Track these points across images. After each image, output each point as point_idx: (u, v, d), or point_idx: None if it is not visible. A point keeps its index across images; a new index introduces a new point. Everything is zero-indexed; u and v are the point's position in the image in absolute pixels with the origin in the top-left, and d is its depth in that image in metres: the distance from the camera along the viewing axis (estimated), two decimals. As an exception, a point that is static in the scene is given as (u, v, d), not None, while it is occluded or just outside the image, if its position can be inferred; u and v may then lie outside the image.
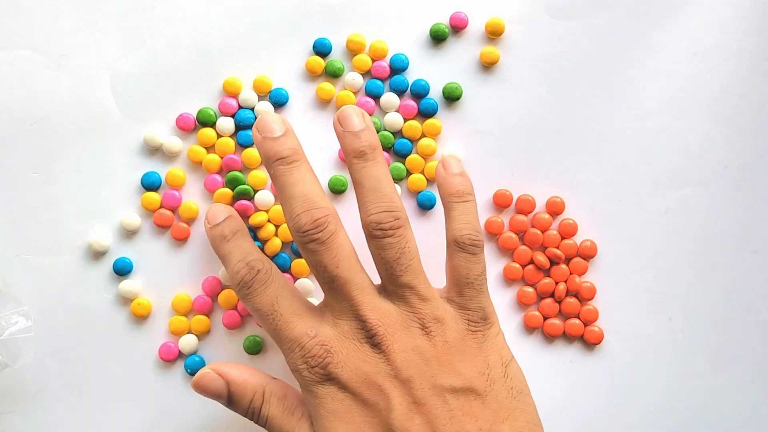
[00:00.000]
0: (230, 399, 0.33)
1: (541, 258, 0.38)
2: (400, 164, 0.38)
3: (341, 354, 0.31)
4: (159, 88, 0.38)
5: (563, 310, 0.38)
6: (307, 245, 0.31)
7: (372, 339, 0.31)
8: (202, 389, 0.33)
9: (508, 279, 0.39)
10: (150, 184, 0.38)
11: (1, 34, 0.38)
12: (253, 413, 0.33)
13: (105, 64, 0.38)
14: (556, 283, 0.38)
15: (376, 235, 0.32)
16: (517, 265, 0.38)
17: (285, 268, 0.38)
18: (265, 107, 0.38)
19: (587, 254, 0.38)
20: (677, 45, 0.38)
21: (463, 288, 0.33)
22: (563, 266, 0.38)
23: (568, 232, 0.38)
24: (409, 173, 0.39)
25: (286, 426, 0.32)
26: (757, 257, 0.39)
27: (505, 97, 0.38)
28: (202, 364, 0.38)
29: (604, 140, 0.38)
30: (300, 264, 0.38)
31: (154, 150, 0.38)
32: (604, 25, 0.38)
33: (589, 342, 0.38)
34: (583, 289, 0.38)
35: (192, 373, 0.38)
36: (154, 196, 0.38)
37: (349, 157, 0.33)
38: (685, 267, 0.39)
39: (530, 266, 0.39)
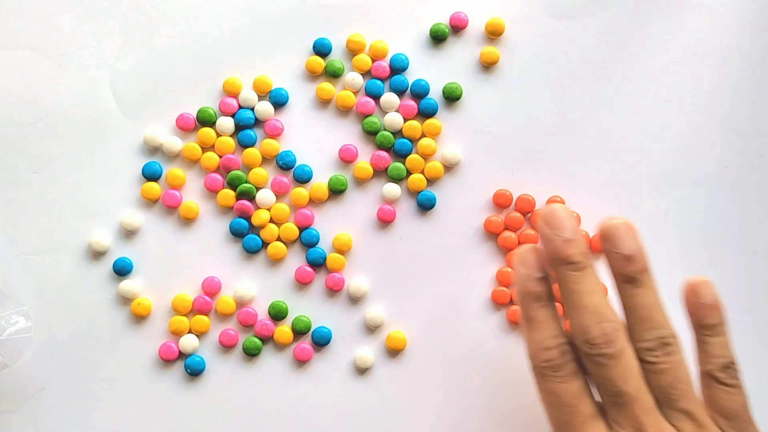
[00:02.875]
0: None
1: None
2: (400, 164, 0.38)
3: None
4: (159, 88, 0.38)
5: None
6: (595, 357, 0.31)
7: None
8: None
9: (509, 279, 0.39)
10: (151, 174, 0.38)
11: (1, 34, 0.38)
12: None
13: (105, 64, 0.38)
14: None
15: (650, 360, 0.31)
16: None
17: (320, 264, 0.38)
18: (265, 107, 0.38)
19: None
20: (677, 45, 0.38)
21: (731, 421, 0.32)
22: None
23: (568, 232, 0.38)
24: (409, 173, 0.39)
25: None
26: (757, 257, 0.39)
27: (505, 97, 0.38)
28: (202, 364, 0.38)
29: (603, 140, 0.38)
30: (335, 258, 0.38)
31: (154, 150, 0.38)
32: (604, 25, 0.38)
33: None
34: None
35: (192, 373, 0.38)
36: (155, 186, 0.38)
37: (618, 280, 0.32)
38: (685, 267, 0.39)
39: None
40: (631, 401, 0.31)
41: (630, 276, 0.31)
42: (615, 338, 0.31)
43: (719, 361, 0.32)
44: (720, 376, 0.32)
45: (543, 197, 0.39)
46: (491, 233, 0.39)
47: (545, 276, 0.32)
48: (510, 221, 0.38)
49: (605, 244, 0.32)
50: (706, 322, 0.32)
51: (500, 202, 0.38)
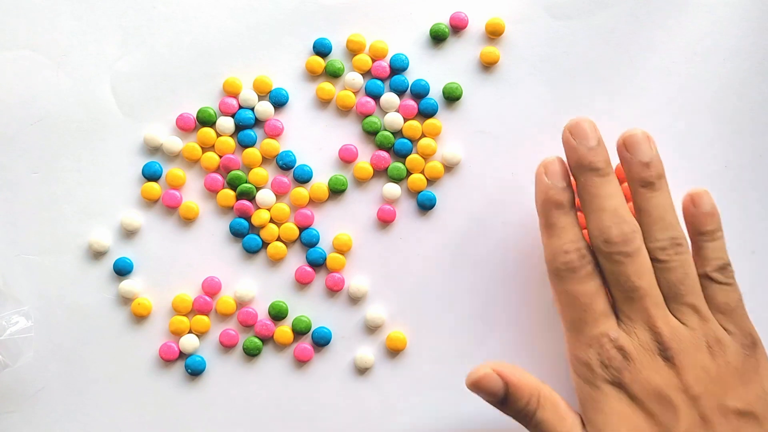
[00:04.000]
0: (505, 399, 0.33)
1: None
2: (400, 164, 0.38)
3: (636, 362, 0.33)
4: (159, 88, 0.38)
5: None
6: (613, 255, 0.33)
7: (665, 352, 0.33)
8: (481, 387, 0.33)
9: (508, 279, 0.39)
10: (151, 174, 0.38)
11: (1, 34, 0.38)
12: (526, 415, 0.33)
13: (105, 64, 0.38)
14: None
15: (661, 258, 0.33)
16: (517, 265, 0.39)
17: (319, 264, 0.38)
18: (265, 107, 0.38)
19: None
20: (677, 45, 0.38)
21: (728, 316, 0.34)
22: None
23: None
24: (409, 173, 0.39)
25: (558, 431, 0.33)
26: (756, 257, 0.39)
27: (505, 97, 0.38)
28: (203, 363, 0.38)
29: (604, 140, 0.38)
30: (335, 258, 0.38)
31: (154, 150, 0.38)
32: (604, 25, 0.38)
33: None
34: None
35: (192, 373, 0.38)
36: (155, 186, 0.38)
37: (636, 185, 0.34)
38: (685, 267, 0.39)
39: (530, 266, 0.39)
40: (643, 296, 0.33)
41: (646, 180, 0.33)
42: (632, 238, 0.33)
43: (716, 263, 0.34)
44: (716, 275, 0.34)
45: (543, 197, 0.39)
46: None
47: (567, 185, 0.34)
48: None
49: (624, 153, 0.34)
50: (704, 228, 0.34)
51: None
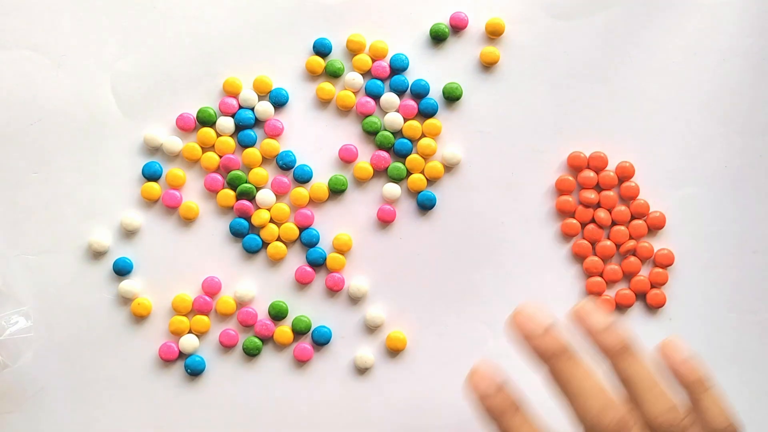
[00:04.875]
0: None
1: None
2: (400, 164, 0.38)
3: None
4: (159, 88, 0.38)
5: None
6: None
7: None
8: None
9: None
10: (151, 174, 0.38)
11: (1, 34, 0.38)
12: None
13: (105, 64, 0.38)
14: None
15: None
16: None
17: (320, 264, 0.38)
18: (265, 107, 0.38)
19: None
20: (677, 45, 0.38)
21: None
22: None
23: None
24: (409, 173, 0.39)
25: None
26: (757, 257, 0.39)
27: (505, 97, 0.38)
28: (202, 364, 0.38)
29: (603, 140, 0.38)
30: (335, 258, 0.38)
31: (154, 150, 0.38)
32: (603, 25, 0.38)
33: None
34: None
35: (192, 373, 0.38)
36: (155, 186, 0.38)
37: (606, 355, 0.31)
38: (685, 267, 0.39)
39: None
40: None
41: (613, 348, 0.30)
42: (627, 426, 0.30)
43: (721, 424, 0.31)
44: None
45: (542, 197, 0.39)
46: (562, 191, 0.38)
47: (501, 385, 0.31)
48: (583, 180, 0.38)
49: (579, 326, 0.31)
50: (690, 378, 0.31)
51: (575, 164, 0.38)
